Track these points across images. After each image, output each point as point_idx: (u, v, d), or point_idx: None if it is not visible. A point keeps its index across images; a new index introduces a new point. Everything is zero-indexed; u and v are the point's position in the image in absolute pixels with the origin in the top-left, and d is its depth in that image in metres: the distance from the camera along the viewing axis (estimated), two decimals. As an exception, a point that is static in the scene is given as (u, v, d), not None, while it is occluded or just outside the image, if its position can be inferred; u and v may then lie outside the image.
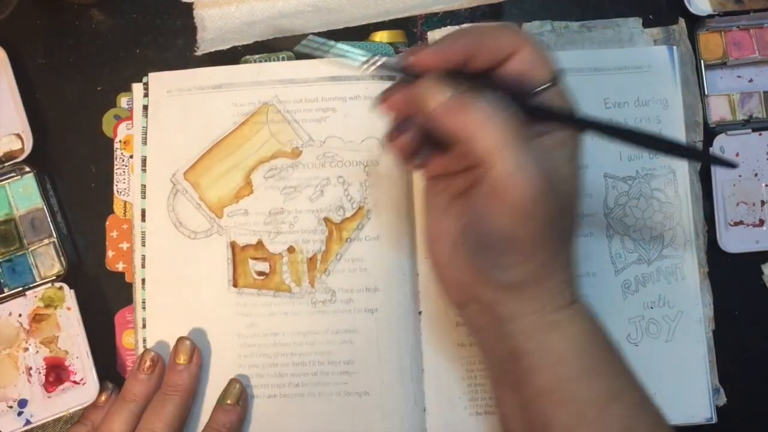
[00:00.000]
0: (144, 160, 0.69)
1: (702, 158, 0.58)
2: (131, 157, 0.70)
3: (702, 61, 0.72)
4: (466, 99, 0.48)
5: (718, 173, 0.71)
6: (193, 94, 0.69)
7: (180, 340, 0.65)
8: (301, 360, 0.66)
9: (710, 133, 0.71)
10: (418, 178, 0.68)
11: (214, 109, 0.69)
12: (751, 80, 0.73)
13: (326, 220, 0.68)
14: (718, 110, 0.71)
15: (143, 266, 0.68)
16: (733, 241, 0.71)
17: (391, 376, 0.66)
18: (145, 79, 0.70)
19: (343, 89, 0.69)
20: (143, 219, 0.68)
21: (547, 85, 0.50)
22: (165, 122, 0.69)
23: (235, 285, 0.67)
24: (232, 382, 0.66)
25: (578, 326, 0.52)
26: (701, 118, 0.71)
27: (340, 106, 0.69)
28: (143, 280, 0.68)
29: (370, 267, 0.67)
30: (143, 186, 0.69)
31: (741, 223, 0.71)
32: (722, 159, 0.51)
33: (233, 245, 0.68)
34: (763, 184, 0.71)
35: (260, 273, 0.67)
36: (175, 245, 0.68)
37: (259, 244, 0.68)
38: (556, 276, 0.51)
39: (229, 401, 0.64)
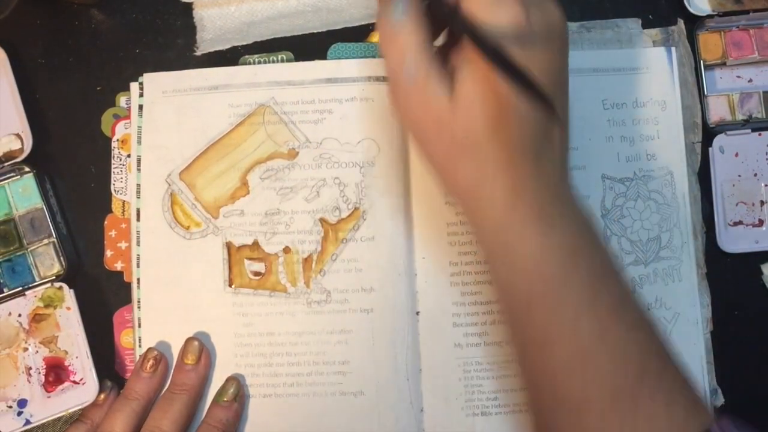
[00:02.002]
0: (139, 160, 0.69)
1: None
2: (129, 156, 0.70)
3: (701, 62, 0.71)
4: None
5: (717, 173, 0.71)
6: (188, 95, 0.69)
7: (189, 340, 0.66)
8: (296, 360, 0.67)
9: (710, 133, 0.71)
10: (416, 178, 0.68)
11: (210, 110, 0.69)
12: (750, 80, 0.72)
13: (322, 220, 0.68)
14: (718, 110, 0.71)
15: (138, 266, 0.68)
16: (733, 241, 0.70)
17: (386, 376, 0.66)
18: (140, 79, 0.70)
19: (340, 91, 0.69)
20: (138, 219, 0.69)
21: None
22: (160, 123, 0.69)
23: (230, 285, 0.68)
24: (229, 380, 0.66)
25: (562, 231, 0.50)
26: (700, 119, 0.71)
27: (337, 108, 0.69)
28: (138, 280, 0.68)
29: (365, 267, 0.67)
30: (138, 185, 0.69)
31: (740, 223, 0.71)
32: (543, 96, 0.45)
33: (229, 245, 0.68)
34: (763, 184, 0.71)
35: (256, 273, 0.68)
36: (170, 245, 0.68)
37: (255, 244, 0.68)
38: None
39: (225, 399, 0.65)
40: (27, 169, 0.70)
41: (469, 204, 0.52)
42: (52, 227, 0.69)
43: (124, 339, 0.69)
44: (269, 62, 0.71)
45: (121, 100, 0.72)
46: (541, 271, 0.50)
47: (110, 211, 0.71)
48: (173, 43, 0.73)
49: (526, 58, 0.46)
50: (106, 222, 0.70)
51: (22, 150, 0.69)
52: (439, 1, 0.49)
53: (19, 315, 0.68)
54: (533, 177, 0.49)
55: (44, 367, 0.67)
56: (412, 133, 0.53)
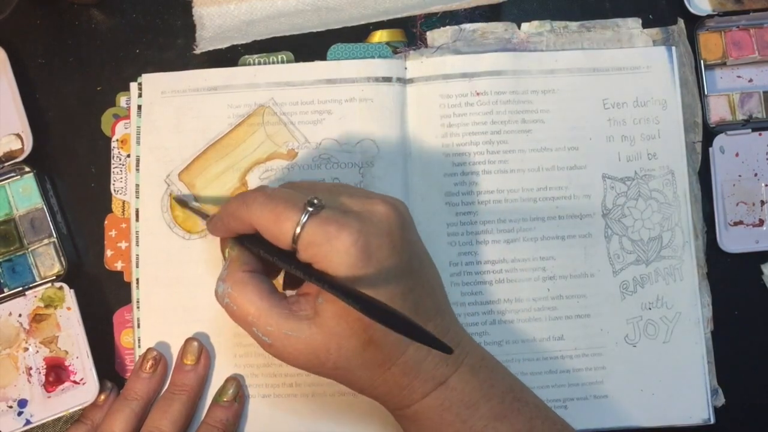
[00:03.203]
0: (138, 160, 0.69)
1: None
2: (128, 156, 0.70)
3: (702, 61, 0.71)
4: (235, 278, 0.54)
5: (717, 173, 0.70)
6: (188, 96, 0.69)
7: (188, 341, 0.66)
8: (296, 360, 0.67)
9: (710, 133, 0.71)
10: (416, 179, 0.68)
11: (210, 110, 0.69)
12: (750, 80, 0.72)
13: (322, 221, 0.68)
14: (718, 110, 0.71)
15: (138, 266, 0.68)
16: (733, 241, 0.70)
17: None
18: (139, 79, 0.70)
19: (339, 92, 0.69)
20: (137, 218, 0.69)
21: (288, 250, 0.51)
22: (159, 123, 0.69)
23: (230, 286, 0.67)
24: (229, 380, 0.66)
25: (433, 419, 0.54)
26: (700, 119, 0.71)
27: (336, 109, 0.69)
28: (138, 280, 0.68)
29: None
30: (137, 186, 0.69)
31: (741, 223, 0.71)
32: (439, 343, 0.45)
33: (229, 246, 0.68)
34: (763, 184, 0.71)
35: (256, 274, 0.67)
36: (169, 245, 0.68)
37: (255, 244, 0.68)
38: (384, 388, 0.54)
39: (225, 399, 0.65)
40: (27, 169, 0.70)
41: (372, 395, 0.56)
42: (52, 227, 0.69)
43: (124, 339, 0.69)
44: (269, 62, 0.71)
45: (121, 100, 0.72)
46: (446, 420, 0.54)
47: (110, 211, 0.71)
48: (173, 43, 0.73)
49: (374, 287, 0.50)
50: (106, 222, 0.70)
51: (22, 150, 0.69)
52: (285, 260, 0.52)
53: (20, 315, 0.68)
54: (417, 363, 0.53)
55: (44, 367, 0.67)
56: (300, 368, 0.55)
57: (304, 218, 0.49)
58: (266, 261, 0.54)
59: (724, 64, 0.72)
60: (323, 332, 0.51)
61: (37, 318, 0.67)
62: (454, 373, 0.54)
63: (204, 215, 0.64)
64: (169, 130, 0.69)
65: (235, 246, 0.56)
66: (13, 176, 0.70)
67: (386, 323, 0.44)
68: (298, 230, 0.49)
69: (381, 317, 0.44)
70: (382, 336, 0.51)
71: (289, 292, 0.56)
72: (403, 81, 0.70)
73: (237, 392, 0.65)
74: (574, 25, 0.71)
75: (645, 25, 0.72)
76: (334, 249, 0.49)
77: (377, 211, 0.52)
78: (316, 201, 0.50)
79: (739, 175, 0.71)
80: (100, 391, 0.66)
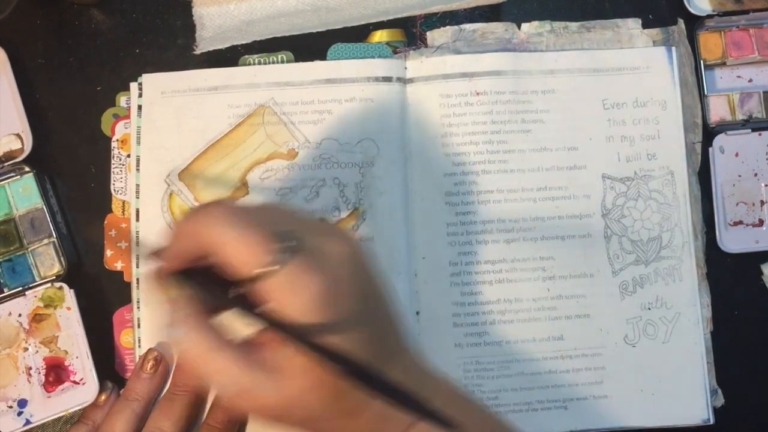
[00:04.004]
0: (139, 160, 0.69)
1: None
2: (128, 156, 0.70)
3: (701, 61, 0.71)
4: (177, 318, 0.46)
5: (717, 173, 0.70)
6: (188, 96, 0.69)
7: None
8: (296, 361, 0.67)
9: (710, 133, 0.71)
10: (416, 178, 0.68)
11: (210, 110, 0.69)
12: (750, 80, 0.72)
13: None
14: (718, 110, 0.71)
15: (138, 266, 0.68)
16: (733, 241, 0.70)
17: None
18: (139, 79, 0.70)
19: (339, 91, 0.69)
20: (137, 219, 0.69)
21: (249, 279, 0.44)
22: (159, 123, 0.69)
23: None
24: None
25: None
26: (700, 119, 0.71)
27: (336, 108, 0.69)
28: (138, 280, 0.68)
29: (365, 268, 0.67)
30: (137, 186, 0.69)
31: (740, 223, 0.71)
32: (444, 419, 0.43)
33: (229, 246, 0.68)
34: (763, 184, 0.71)
35: (256, 274, 0.67)
36: (169, 246, 0.68)
37: (255, 245, 0.68)
38: None
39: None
40: (27, 169, 0.70)
41: None
42: (52, 227, 0.69)
43: (124, 339, 0.69)
44: (269, 62, 0.71)
45: (121, 100, 0.72)
46: None
47: (110, 211, 0.71)
48: (173, 43, 0.73)
49: (339, 336, 0.45)
50: (106, 222, 0.70)
51: (22, 150, 0.69)
52: (240, 303, 0.45)
53: (19, 315, 0.68)
54: (386, 409, 0.48)
55: (44, 367, 0.67)
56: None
57: (278, 257, 0.44)
58: (211, 303, 0.48)
59: (724, 64, 0.72)
60: (291, 386, 0.46)
61: (37, 318, 0.67)
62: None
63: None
64: (169, 130, 0.69)
65: (186, 283, 0.48)
66: (13, 176, 0.70)
67: (362, 380, 0.42)
68: (271, 267, 0.44)
69: (359, 375, 0.42)
70: (351, 386, 0.46)
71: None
72: (403, 81, 0.70)
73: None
74: (574, 25, 0.71)
75: (645, 26, 0.72)
76: (298, 296, 0.44)
77: (340, 253, 0.47)
78: (291, 235, 0.45)
79: (739, 175, 0.71)
80: (101, 392, 0.66)
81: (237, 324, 0.47)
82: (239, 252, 0.44)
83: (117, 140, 0.71)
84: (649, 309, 0.68)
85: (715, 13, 0.71)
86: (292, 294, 0.44)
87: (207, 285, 0.47)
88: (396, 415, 0.48)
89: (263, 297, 0.44)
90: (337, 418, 0.48)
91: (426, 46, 0.71)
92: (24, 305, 0.68)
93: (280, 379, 0.45)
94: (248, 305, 0.45)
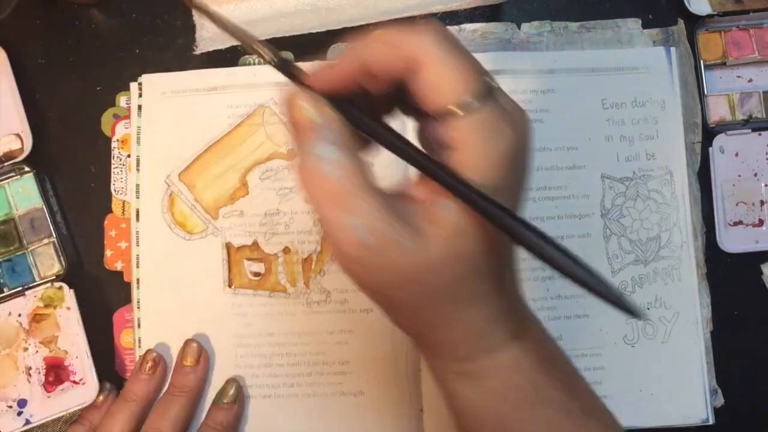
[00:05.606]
0: (139, 160, 0.69)
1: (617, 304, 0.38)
2: (128, 156, 0.70)
3: (701, 61, 0.71)
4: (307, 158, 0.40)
5: (717, 173, 0.71)
6: (187, 96, 0.69)
7: (188, 342, 0.66)
8: (296, 360, 0.67)
9: (710, 133, 0.71)
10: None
11: (210, 110, 0.69)
12: (750, 80, 0.72)
13: (322, 221, 0.68)
14: (718, 110, 0.71)
15: (138, 266, 0.68)
16: (733, 241, 0.70)
17: (386, 376, 0.66)
18: (139, 79, 0.70)
19: (339, 91, 0.69)
20: (137, 219, 0.69)
21: (455, 111, 0.38)
22: (159, 124, 0.69)
23: (230, 286, 0.68)
24: (229, 381, 0.66)
25: (501, 379, 0.44)
26: (700, 119, 0.71)
27: (336, 108, 0.69)
28: (138, 280, 0.68)
29: (364, 268, 0.67)
30: (137, 186, 0.69)
31: (740, 223, 0.71)
32: (632, 308, 0.37)
33: (228, 246, 0.68)
34: (763, 184, 0.71)
35: (256, 274, 0.68)
36: (169, 246, 0.68)
37: (255, 244, 0.68)
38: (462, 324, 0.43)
39: (225, 400, 0.65)
40: (27, 169, 0.70)
41: (437, 339, 0.44)
42: (52, 227, 0.69)
43: (124, 339, 0.69)
44: (269, 62, 0.71)
45: (121, 100, 0.72)
46: (516, 384, 0.44)
47: (110, 211, 0.71)
48: (173, 43, 0.73)
49: (509, 193, 0.40)
50: (106, 222, 0.70)
51: (22, 150, 0.69)
52: (404, 146, 0.41)
53: (19, 315, 0.68)
54: (508, 299, 0.44)
55: (44, 367, 0.67)
56: (370, 297, 0.44)
57: (481, 97, 0.38)
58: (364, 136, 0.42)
59: (723, 64, 0.72)
60: (438, 249, 0.39)
61: (36, 318, 0.67)
62: (528, 331, 0.45)
63: (241, 33, 0.43)
64: (169, 130, 0.69)
65: (335, 107, 0.41)
66: (12, 176, 0.70)
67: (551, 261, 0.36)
68: (476, 103, 0.38)
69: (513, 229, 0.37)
70: (508, 262, 0.42)
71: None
72: (403, 81, 0.69)
73: (237, 394, 0.65)
74: (574, 25, 0.71)
75: (645, 26, 0.72)
76: (490, 147, 0.38)
77: (523, 121, 0.41)
78: (494, 84, 0.40)
79: (739, 175, 0.71)
80: (99, 392, 0.66)
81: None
82: (445, 75, 0.38)
83: (117, 140, 0.71)
84: (648, 309, 0.68)
85: (715, 13, 0.71)
86: (484, 142, 0.38)
87: (361, 115, 0.41)
88: (511, 320, 0.43)
89: (445, 141, 0.39)
90: (466, 299, 0.41)
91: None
92: (24, 305, 0.68)
93: (429, 237, 0.39)
94: (412, 149, 0.40)
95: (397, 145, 0.40)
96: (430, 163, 0.39)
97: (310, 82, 0.42)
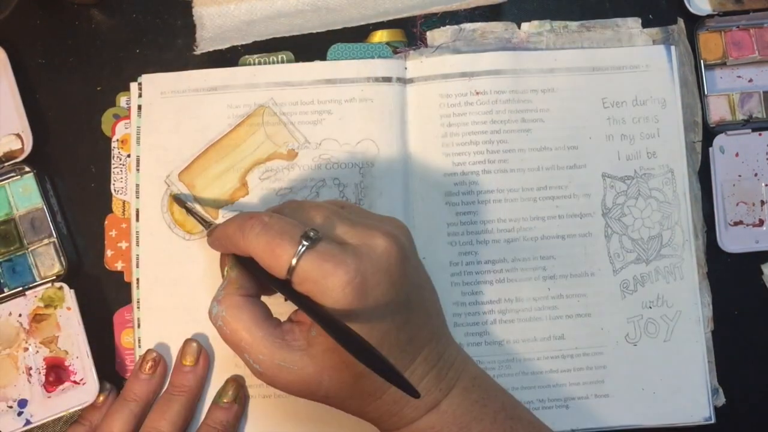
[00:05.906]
0: (139, 160, 0.69)
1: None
2: (129, 156, 0.70)
3: (702, 61, 0.71)
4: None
5: (717, 173, 0.71)
6: (187, 96, 0.69)
7: (187, 342, 0.66)
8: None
9: (710, 133, 0.71)
10: (416, 178, 0.68)
11: (209, 110, 0.69)
12: (750, 80, 0.72)
13: (322, 221, 0.68)
14: (718, 110, 0.71)
15: (138, 266, 0.68)
16: (733, 241, 0.70)
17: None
18: (139, 79, 0.70)
19: (339, 92, 0.69)
20: (137, 219, 0.69)
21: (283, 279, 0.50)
22: (159, 123, 0.69)
23: (231, 286, 0.67)
24: (229, 381, 0.66)
25: None
26: (700, 118, 0.71)
27: (336, 109, 0.69)
28: (138, 280, 0.68)
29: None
30: (137, 186, 0.69)
31: (741, 222, 0.71)
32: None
33: (229, 246, 0.68)
34: (763, 184, 0.71)
35: (256, 274, 0.67)
36: (169, 246, 0.68)
37: (255, 245, 0.68)
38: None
39: (225, 400, 0.65)
40: (27, 169, 0.70)
41: (365, 417, 0.56)
42: (52, 227, 0.69)
43: (124, 339, 0.69)
44: (269, 62, 0.71)
45: (122, 100, 0.72)
46: None
47: (110, 211, 0.71)
48: (173, 43, 0.73)
49: (369, 323, 0.50)
50: (106, 222, 0.70)
51: (22, 150, 0.69)
52: (281, 286, 0.51)
53: (20, 315, 0.68)
54: (414, 377, 0.54)
55: (44, 367, 0.67)
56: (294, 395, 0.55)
57: (301, 249, 0.49)
58: (263, 283, 0.55)
59: (724, 64, 0.72)
60: (315, 364, 0.51)
61: (37, 318, 0.67)
62: (445, 398, 0.54)
63: (202, 220, 0.65)
64: (169, 130, 0.69)
65: (235, 267, 0.55)
66: (13, 176, 0.70)
67: (367, 363, 0.45)
68: (294, 262, 0.49)
69: (363, 356, 0.45)
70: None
71: (284, 319, 0.56)
72: (403, 81, 0.70)
73: (237, 393, 0.65)
74: (574, 24, 0.71)
75: (645, 25, 0.72)
76: (329, 286, 0.49)
77: (377, 246, 0.51)
78: (312, 234, 0.50)
79: (739, 175, 0.71)
80: (99, 392, 0.66)
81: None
82: (269, 257, 0.50)
83: (117, 140, 0.71)
84: (650, 307, 0.68)
85: (715, 13, 0.71)
86: (324, 283, 0.49)
87: (255, 270, 0.53)
88: (414, 399, 0.53)
89: (300, 288, 0.50)
90: (359, 397, 0.53)
91: (426, 46, 0.71)
92: (24, 305, 0.68)
93: (305, 357, 0.52)
94: (289, 292, 0.51)
95: (280, 287, 0.51)
96: (297, 299, 0.50)
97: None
